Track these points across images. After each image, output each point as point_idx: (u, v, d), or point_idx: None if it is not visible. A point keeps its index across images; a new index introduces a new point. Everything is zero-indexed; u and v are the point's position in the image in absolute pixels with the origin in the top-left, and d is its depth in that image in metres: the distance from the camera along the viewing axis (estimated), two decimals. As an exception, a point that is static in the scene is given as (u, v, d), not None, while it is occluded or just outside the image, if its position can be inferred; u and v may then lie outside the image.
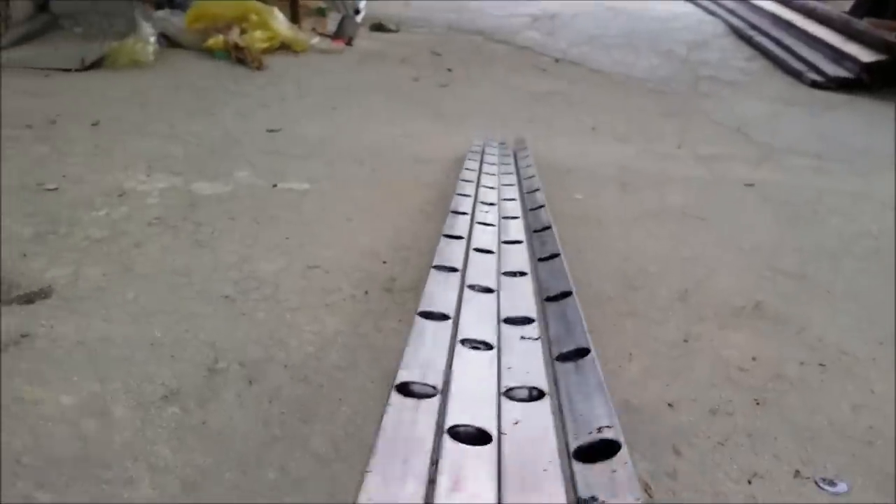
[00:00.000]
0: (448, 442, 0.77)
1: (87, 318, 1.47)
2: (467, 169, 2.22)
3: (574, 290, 1.29)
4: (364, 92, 3.48)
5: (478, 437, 0.79)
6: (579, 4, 6.41)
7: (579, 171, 2.60)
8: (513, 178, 2.27)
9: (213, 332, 1.44)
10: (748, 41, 5.45)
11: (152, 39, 3.50)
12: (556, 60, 4.62)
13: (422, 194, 2.24)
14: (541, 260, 1.59)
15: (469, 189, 1.99)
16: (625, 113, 3.50)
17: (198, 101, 3.07)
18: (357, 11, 4.97)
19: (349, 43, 4.46)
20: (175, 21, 4.10)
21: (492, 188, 2.09)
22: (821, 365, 1.48)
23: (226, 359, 1.35)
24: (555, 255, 1.56)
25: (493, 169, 2.30)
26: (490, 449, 0.77)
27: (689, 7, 6.73)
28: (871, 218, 2.35)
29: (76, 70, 3.32)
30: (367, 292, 1.64)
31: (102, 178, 2.20)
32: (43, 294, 1.54)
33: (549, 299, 1.35)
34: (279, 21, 4.09)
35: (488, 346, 1.07)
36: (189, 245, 1.81)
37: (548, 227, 1.75)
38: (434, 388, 0.89)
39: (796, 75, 4.53)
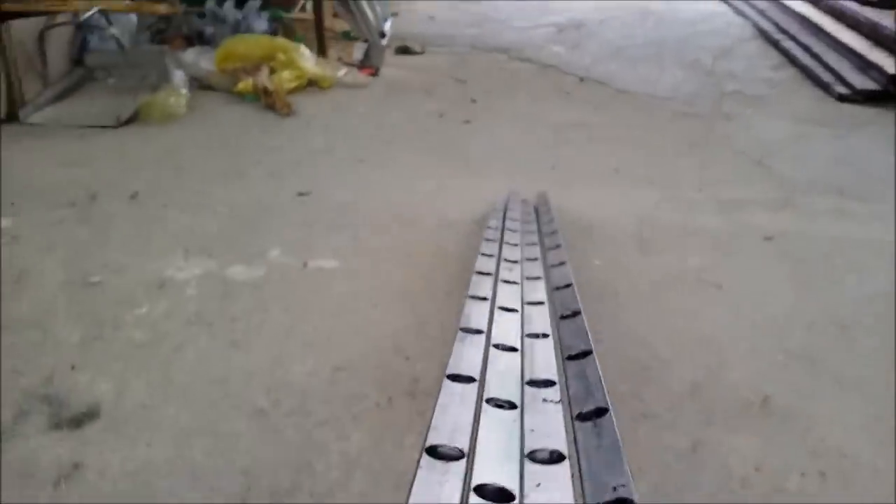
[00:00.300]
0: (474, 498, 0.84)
1: (132, 442, 1.59)
2: (489, 228, 2.30)
3: (594, 349, 1.33)
4: (390, 137, 3.60)
5: (502, 495, 0.86)
6: (607, 6, 6.41)
7: (600, 227, 2.68)
8: (535, 237, 2.32)
9: (246, 455, 1.55)
10: (775, 45, 5.42)
11: (183, 91, 3.56)
12: (581, 80, 4.66)
13: (447, 270, 2.32)
14: (562, 318, 1.62)
15: (492, 249, 2.05)
16: (648, 147, 3.56)
17: (230, 159, 3.20)
18: (383, 35, 5.01)
19: (375, 73, 4.51)
20: (204, 63, 4.18)
21: (515, 245, 2.15)
22: (821, 474, 1.53)
23: (258, 487, 1.46)
24: (576, 313, 1.58)
25: (516, 226, 2.37)
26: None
27: (720, 6, 6.67)
28: (887, 274, 2.38)
29: (112, 127, 3.44)
30: (390, 399, 1.73)
31: (143, 266, 2.32)
32: (91, 415, 1.65)
33: (570, 358, 1.38)
34: (306, 58, 4.18)
35: (512, 406, 1.12)
36: (225, 346, 1.91)
37: (569, 285, 1.79)
38: (461, 450, 0.95)
39: (824, 87, 4.51)
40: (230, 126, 3.57)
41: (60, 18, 3.60)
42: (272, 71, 4.15)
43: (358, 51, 4.85)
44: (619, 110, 4.11)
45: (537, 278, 1.90)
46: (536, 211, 2.65)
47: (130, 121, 3.51)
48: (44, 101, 3.50)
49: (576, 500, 0.86)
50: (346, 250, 2.44)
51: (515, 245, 2.15)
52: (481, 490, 0.86)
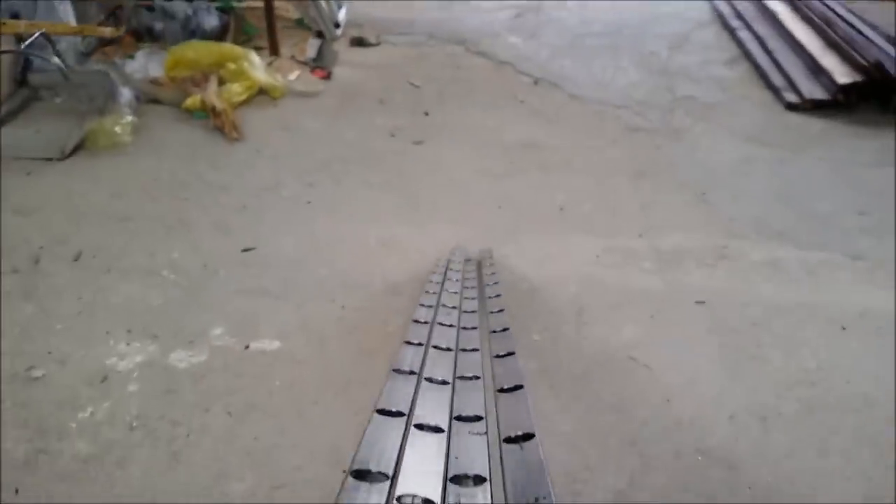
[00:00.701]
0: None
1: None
2: (430, 282, 2.32)
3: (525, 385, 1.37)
4: (340, 167, 3.64)
5: None
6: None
7: (542, 290, 2.78)
8: (474, 293, 2.34)
9: None
10: (731, 33, 5.46)
11: (129, 118, 3.55)
12: (535, 82, 4.63)
13: (391, 347, 2.35)
14: (496, 357, 1.64)
15: (430, 300, 2.07)
16: (595, 176, 3.64)
17: (176, 203, 3.23)
18: (337, 25, 4.97)
19: (328, 76, 4.49)
20: (153, 69, 4.14)
21: (455, 293, 2.19)
22: None
23: None
24: (510, 354, 1.60)
25: (457, 283, 2.37)
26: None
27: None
28: (812, 349, 2.50)
29: (59, 160, 3.44)
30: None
31: (86, 353, 2.38)
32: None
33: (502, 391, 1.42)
34: (256, 67, 4.16)
35: (439, 430, 1.17)
36: (167, 459, 1.99)
37: (506, 329, 1.82)
38: (386, 474, 1.01)
39: (775, 91, 4.58)
40: (177, 157, 3.56)
41: (3, 45, 3.49)
42: (221, 81, 4.05)
43: (311, 48, 4.76)
44: (571, 123, 4.18)
45: (473, 328, 1.91)
46: (479, 267, 2.71)
47: (77, 149, 3.40)
48: (-11, 128, 3.39)
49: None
50: (289, 326, 2.50)
51: (455, 293, 2.19)
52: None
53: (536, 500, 0.97)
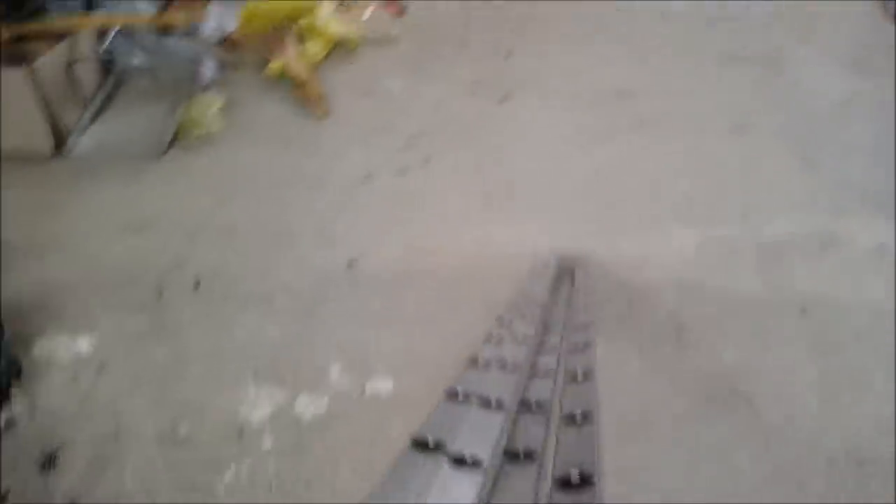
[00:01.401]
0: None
1: None
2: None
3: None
4: (426, 146, 3.68)
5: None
6: None
7: (639, 303, 2.84)
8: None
9: None
10: None
11: (217, 102, 3.68)
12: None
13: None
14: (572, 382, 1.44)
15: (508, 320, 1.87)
16: (692, 134, 3.59)
17: (278, 208, 3.41)
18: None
19: (402, 12, 4.45)
20: (227, 23, 4.19)
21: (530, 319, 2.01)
22: None
23: None
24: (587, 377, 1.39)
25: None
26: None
27: None
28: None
29: (156, 158, 3.61)
30: None
31: (220, 403, 2.63)
32: None
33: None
34: (329, 19, 4.15)
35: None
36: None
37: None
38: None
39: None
40: (269, 144, 3.69)
41: (82, 46, 3.62)
42: (298, 38, 4.08)
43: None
44: (662, 55, 4.08)
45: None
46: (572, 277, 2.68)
47: (172, 142, 3.56)
48: (85, 124, 3.60)
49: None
50: (400, 360, 2.68)
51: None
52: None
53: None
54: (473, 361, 1.41)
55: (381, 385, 2.54)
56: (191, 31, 4.08)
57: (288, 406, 2.51)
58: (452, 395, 1.16)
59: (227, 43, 4.16)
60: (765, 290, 2.80)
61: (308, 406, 2.51)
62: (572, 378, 1.42)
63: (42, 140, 3.50)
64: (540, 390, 1.32)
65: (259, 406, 2.51)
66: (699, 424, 2.42)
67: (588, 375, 1.40)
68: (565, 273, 2.75)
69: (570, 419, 1.16)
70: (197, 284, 2.90)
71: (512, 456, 0.99)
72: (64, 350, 2.74)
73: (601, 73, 3.93)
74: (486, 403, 1.12)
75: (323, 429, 2.44)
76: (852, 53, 3.90)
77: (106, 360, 2.69)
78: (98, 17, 3.63)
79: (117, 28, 3.72)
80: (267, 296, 2.85)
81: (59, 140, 3.56)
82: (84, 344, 2.75)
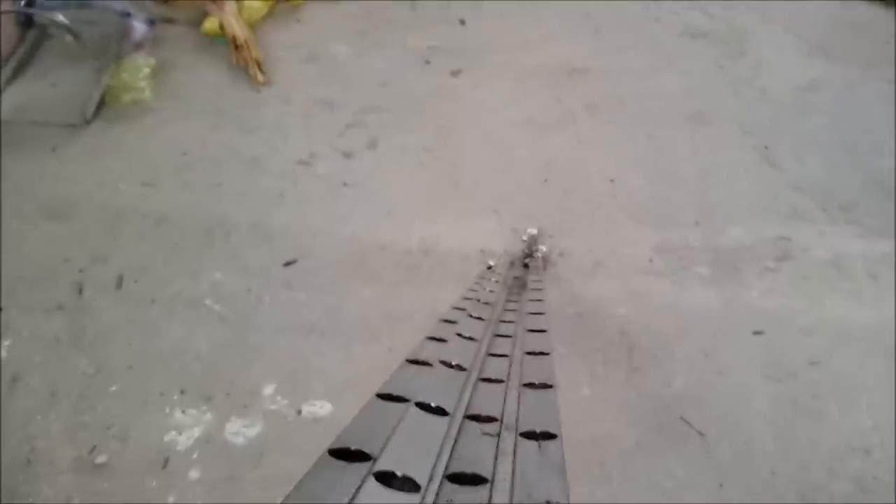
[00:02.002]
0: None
1: None
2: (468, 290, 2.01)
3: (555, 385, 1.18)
4: (374, 123, 3.40)
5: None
6: None
7: (589, 316, 2.67)
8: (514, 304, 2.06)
9: None
10: None
11: (148, 66, 3.32)
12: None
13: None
14: (528, 354, 1.39)
15: (463, 305, 1.76)
16: (649, 124, 3.37)
17: (212, 193, 3.12)
18: None
19: (352, -35, 4.06)
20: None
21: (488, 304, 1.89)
22: None
23: None
24: (543, 353, 1.36)
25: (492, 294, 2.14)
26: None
27: None
28: (870, 399, 2.47)
29: (80, 125, 3.30)
30: None
31: (144, 425, 2.41)
32: None
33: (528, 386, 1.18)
34: (275, -29, 3.74)
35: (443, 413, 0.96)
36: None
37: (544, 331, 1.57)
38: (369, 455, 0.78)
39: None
40: (204, 116, 3.35)
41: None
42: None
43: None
44: (623, 30, 3.83)
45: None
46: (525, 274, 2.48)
47: (98, 108, 3.22)
48: (2, 84, 3.22)
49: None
50: (338, 380, 2.48)
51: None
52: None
53: (548, 502, 0.76)
54: (429, 339, 1.32)
55: (319, 408, 2.30)
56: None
57: (217, 430, 2.29)
58: (412, 360, 1.14)
59: (162, -5, 3.69)
60: (718, 305, 2.67)
61: (239, 430, 2.30)
62: (528, 352, 1.36)
63: (-49, 103, 3.05)
64: (496, 367, 1.27)
65: (186, 429, 2.29)
66: (650, 460, 2.30)
67: (544, 352, 1.34)
68: (516, 274, 2.50)
69: (529, 385, 1.15)
70: (120, 282, 2.63)
71: (472, 417, 0.99)
72: (-30, 360, 2.39)
73: (555, 47, 3.68)
74: (447, 365, 1.12)
75: (255, 456, 2.23)
76: (818, 35, 3.71)
77: (20, 371, 2.44)
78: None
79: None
80: (196, 299, 2.57)
81: (-30, 103, 3.10)
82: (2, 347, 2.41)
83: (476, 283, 2.20)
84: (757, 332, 2.54)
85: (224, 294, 2.63)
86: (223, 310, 2.59)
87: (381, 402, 0.96)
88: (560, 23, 3.78)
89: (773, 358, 2.52)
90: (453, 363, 1.16)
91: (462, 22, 3.70)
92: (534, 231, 2.77)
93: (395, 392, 0.99)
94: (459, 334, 1.40)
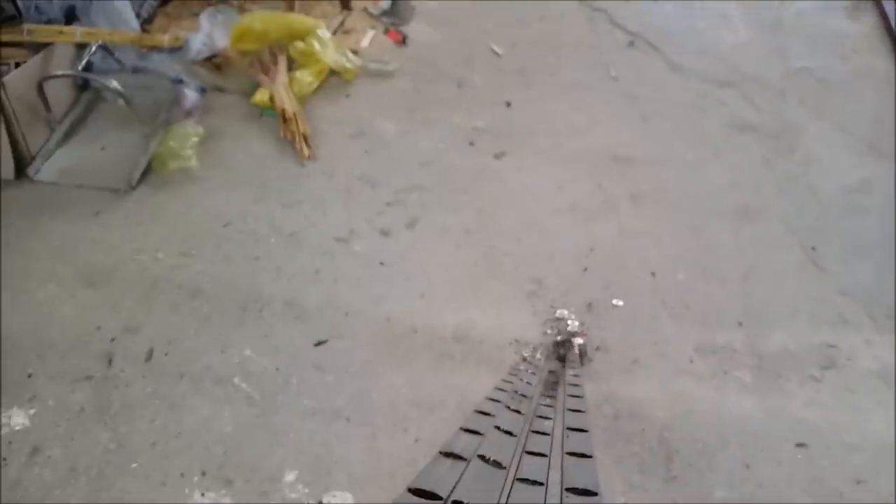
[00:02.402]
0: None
1: None
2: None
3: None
4: (415, 202, 3.33)
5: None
6: None
7: (627, 419, 2.59)
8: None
9: None
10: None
11: (195, 135, 3.28)
12: (631, 43, 4.10)
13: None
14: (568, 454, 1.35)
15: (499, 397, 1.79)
16: (693, 217, 3.30)
17: (249, 267, 3.08)
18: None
19: (403, 41, 4.05)
20: (218, 36, 3.79)
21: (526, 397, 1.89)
22: None
23: None
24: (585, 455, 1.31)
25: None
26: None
27: None
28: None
29: (124, 191, 3.29)
30: None
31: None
32: None
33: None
34: (326, 46, 3.75)
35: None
36: None
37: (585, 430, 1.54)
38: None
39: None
40: (247, 187, 3.34)
41: (58, 59, 3.20)
42: (290, 61, 3.68)
43: (385, -4, 4.22)
44: (669, 117, 3.72)
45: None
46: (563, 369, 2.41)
47: (144, 174, 3.18)
48: (52, 146, 3.27)
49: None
50: (362, 469, 2.39)
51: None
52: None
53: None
54: (464, 431, 1.27)
55: (340, 500, 2.17)
56: (179, 47, 3.61)
57: (235, 519, 2.12)
58: (447, 453, 1.08)
59: (214, 61, 3.72)
60: (760, 414, 2.54)
61: (257, 520, 2.12)
62: (569, 452, 1.28)
63: (3, 163, 3.10)
64: (535, 467, 1.19)
65: (204, 516, 2.13)
66: None
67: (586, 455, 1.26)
68: (552, 367, 2.46)
69: (572, 490, 1.07)
70: (150, 354, 2.55)
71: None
72: (-4, 426, 2.32)
73: (601, 133, 3.60)
74: (485, 461, 1.06)
75: (272, 549, 2.06)
76: (868, 131, 3.59)
77: (41, 441, 2.35)
78: (77, 31, 3.20)
79: (97, 44, 3.24)
80: (225, 376, 2.50)
81: (22, 164, 3.17)
82: (20, 419, 2.38)
83: (511, 374, 2.10)
84: (800, 445, 2.40)
85: (253, 372, 2.54)
86: (250, 389, 2.50)
87: (413, 498, 0.94)
88: (607, 108, 3.72)
89: (815, 474, 2.37)
90: (491, 459, 1.12)
91: (508, 104, 3.62)
92: (572, 323, 2.62)
93: (429, 488, 0.96)
94: (498, 427, 1.36)
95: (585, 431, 1.49)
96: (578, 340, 2.58)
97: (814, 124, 3.54)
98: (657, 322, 2.70)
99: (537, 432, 1.63)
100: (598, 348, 2.62)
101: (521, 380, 1.97)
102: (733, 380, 2.55)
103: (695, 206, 3.20)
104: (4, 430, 2.39)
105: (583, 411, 1.67)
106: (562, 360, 2.53)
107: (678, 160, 3.40)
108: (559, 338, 2.60)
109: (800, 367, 2.60)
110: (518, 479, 1.14)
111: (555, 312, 2.73)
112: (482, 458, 1.11)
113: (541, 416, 1.80)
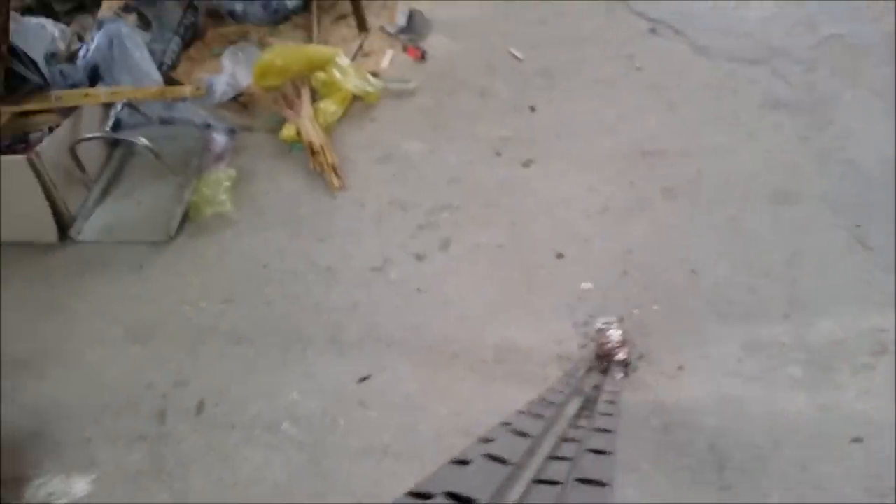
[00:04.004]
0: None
1: None
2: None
3: None
4: (446, 222, 3.30)
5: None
6: None
7: (676, 427, 2.50)
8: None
9: None
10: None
11: (228, 179, 3.31)
12: (653, 30, 3.98)
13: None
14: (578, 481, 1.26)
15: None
16: (730, 204, 3.15)
17: (289, 307, 3.08)
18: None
19: (423, 57, 4.02)
20: (241, 75, 3.81)
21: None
22: None
23: None
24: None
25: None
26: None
27: None
28: None
29: (164, 242, 3.32)
30: None
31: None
32: None
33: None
34: (346, 73, 3.73)
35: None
36: None
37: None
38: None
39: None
40: (281, 226, 3.36)
41: (87, 122, 3.27)
42: (313, 93, 3.68)
43: (401, 15, 4.21)
44: (698, 103, 3.61)
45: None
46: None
47: (182, 222, 3.21)
48: (91, 205, 3.31)
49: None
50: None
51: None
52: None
53: None
54: (479, 441, 1.27)
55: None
56: (203, 91, 3.65)
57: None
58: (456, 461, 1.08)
59: (240, 100, 3.74)
60: (812, 411, 2.40)
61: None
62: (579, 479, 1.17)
63: (46, 228, 3.24)
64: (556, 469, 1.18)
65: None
66: None
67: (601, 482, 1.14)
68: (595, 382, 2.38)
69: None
70: (200, 407, 2.58)
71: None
72: (59, 496, 2.38)
73: (628, 127, 3.49)
74: (489, 458, 1.04)
75: None
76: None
77: (103, 506, 2.32)
78: (102, 93, 3.24)
79: (123, 102, 3.29)
80: (274, 423, 2.53)
81: (64, 226, 3.26)
82: (80, 486, 2.44)
83: (548, 389, 2.05)
84: (856, 440, 2.28)
85: (300, 416, 2.55)
86: (299, 434, 2.53)
87: (409, 498, 0.93)
88: (632, 100, 3.61)
89: (875, 470, 2.23)
90: (496, 455, 1.09)
91: (532, 109, 3.56)
92: (614, 332, 2.56)
93: (424, 489, 0.94)
94: (511, 430, 1.33)
95: (608, 454, 1.44)
96: (620, 351, 2.49)
97: (849, 93, 3.37)
98: (701, 322, 2.60)
99: (567, 440, 1.60)
100: (641, 357, 2.52)
101: (553, 388, 1.92)
102: (783, 376, 2.43)
103: (731, 193, 3.07)
104: (68, 500, 2.40)
105: (611, 431, 1.62)
106: (605, 372, 2.46)
107: (710, 147, 3.27)
108: (601, 350, 2.50)
109: (850, 355, 2.46)
110: (534, 481, 1.12)
111: (595, 323, 2.62)
112: (486, 455, 1.08)
113: (574, 426, 1.76)
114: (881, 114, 3.21)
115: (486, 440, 1.30)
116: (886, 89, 3.33)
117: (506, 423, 1.47)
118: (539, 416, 1.53)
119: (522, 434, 1.29)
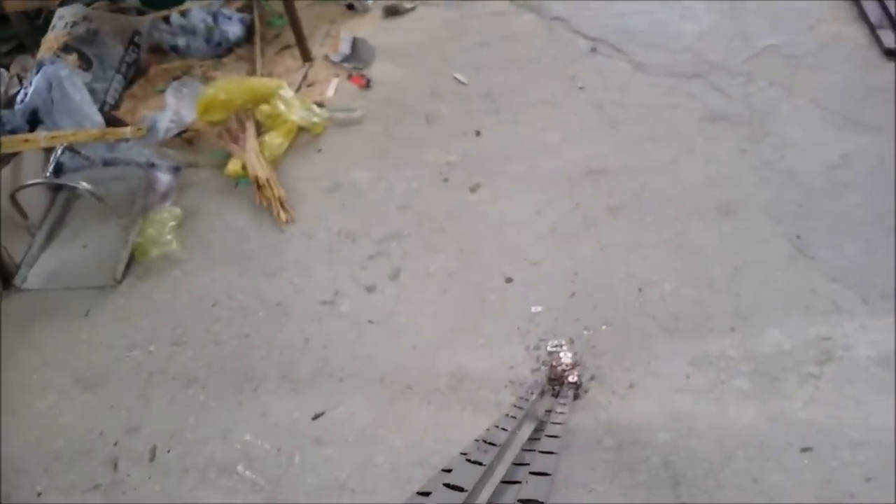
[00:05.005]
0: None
1: None
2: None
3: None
4: (396, 252, 3.32)
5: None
6: None
7: (628, 446, 2.55)
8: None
9: None
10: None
11: (173, 219, 3.29)
12: (593, 49, 4.05)
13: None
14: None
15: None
16: (674, 220, 3.23)
17: (239, 347, 3.07)
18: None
19: (367, 84, 4.03)
20: (185, 111, 3.79)
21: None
22: None
23: None
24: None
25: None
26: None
27: None
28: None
29: (111, 286, 3.30)
30: None
31: None
32: None
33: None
34: (291, 105, 3.74)
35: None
36: None
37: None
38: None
39: (870, 27, 3.90)
40: (229, 264, 3.35)
41: (28, 166, 3.23)
42: (258, 125, 3.68)
43: (344, 43, 4.24)
44: (639, 120, 3.68)
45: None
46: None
47: (128, 265, 3.19)
48: (35, 252, 3.29)
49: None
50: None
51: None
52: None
53: None
54: (441, 471, 1.38)
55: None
56: (146, 129, 3.64)
57: None
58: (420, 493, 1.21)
59: (185, 136, 3.73)
60: (762, 422, 2.46)
61: None
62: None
63: (-11, 279, 3.08)
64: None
65: None
66: None
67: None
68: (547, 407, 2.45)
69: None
70: (153, 453, 2.58)
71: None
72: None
73: (572, 148, 3.56)
74: (448, 487, 1.19)
75: None
76: (842, 102, 3.50)
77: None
78: (41, 137, 3.22)
79: (63, 146, 3.27)
80: (228, 465, 2.53)
81: (8, 274, 3.20)
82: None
83: (503, 416, 2.09)
84: (805, 449, 2.34)
85: (255, 457, 2.56)
86: (254, 476, 2.54)
87: None
88: (576, 120, 3.70)
89: (824, 477, 2.30)
90: (452, 484, 1.22)
91: (478, 133, 3.61)
92: (564, 355, 2.60)
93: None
94: (467, 459, 1.44)
95: (548, 475, 1.49)
96: (571, 374, 2.52)
97: (786, 104, 3.47)
98: (649, 339, 2.65)
99: (518, 464, 1.65)
100: (592, 377, 2.56)
101: (497, 426, 1.96)
102: (732, 389, 2.49)
103: (674, 208, 3.14)
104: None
105: (553, 452, 1.67)
106: (557, 395, 2.49)
107: (652, 163, 3.35)
108: (553, 373, 2.54)
109: (796, 365, 2.53)
110: None
111: (546, 346, 2.65)
112: (445, 485, 1.20)
113: (526, 450, 1.81)
114: (819, 122, 3.31)
115: (447, 470, 1.38)
116: (823, 97, 3.39)
117: (463, 453, 1.56)
118: (493, 445, 1.58)
119: (477, 463, 1.40)
